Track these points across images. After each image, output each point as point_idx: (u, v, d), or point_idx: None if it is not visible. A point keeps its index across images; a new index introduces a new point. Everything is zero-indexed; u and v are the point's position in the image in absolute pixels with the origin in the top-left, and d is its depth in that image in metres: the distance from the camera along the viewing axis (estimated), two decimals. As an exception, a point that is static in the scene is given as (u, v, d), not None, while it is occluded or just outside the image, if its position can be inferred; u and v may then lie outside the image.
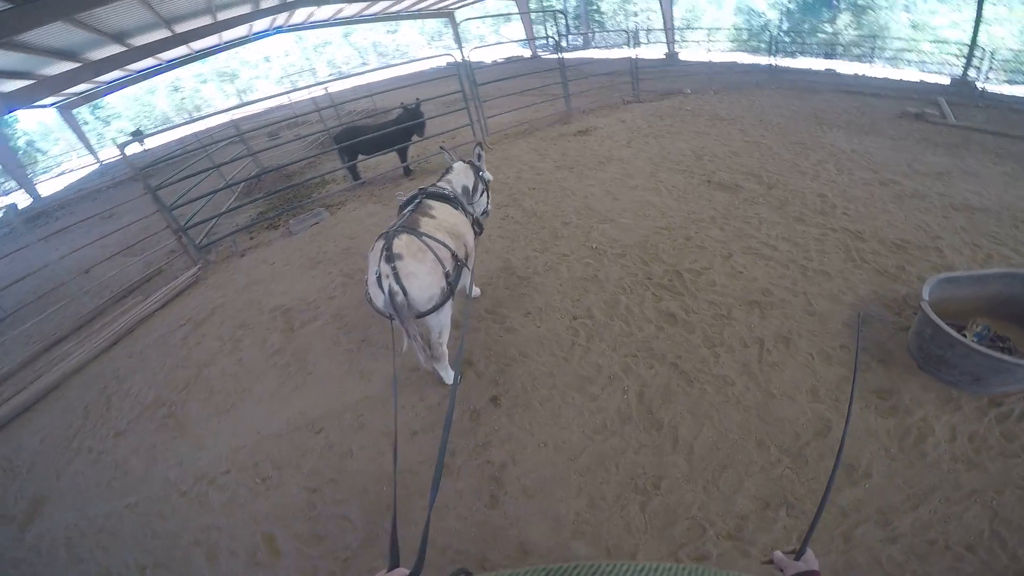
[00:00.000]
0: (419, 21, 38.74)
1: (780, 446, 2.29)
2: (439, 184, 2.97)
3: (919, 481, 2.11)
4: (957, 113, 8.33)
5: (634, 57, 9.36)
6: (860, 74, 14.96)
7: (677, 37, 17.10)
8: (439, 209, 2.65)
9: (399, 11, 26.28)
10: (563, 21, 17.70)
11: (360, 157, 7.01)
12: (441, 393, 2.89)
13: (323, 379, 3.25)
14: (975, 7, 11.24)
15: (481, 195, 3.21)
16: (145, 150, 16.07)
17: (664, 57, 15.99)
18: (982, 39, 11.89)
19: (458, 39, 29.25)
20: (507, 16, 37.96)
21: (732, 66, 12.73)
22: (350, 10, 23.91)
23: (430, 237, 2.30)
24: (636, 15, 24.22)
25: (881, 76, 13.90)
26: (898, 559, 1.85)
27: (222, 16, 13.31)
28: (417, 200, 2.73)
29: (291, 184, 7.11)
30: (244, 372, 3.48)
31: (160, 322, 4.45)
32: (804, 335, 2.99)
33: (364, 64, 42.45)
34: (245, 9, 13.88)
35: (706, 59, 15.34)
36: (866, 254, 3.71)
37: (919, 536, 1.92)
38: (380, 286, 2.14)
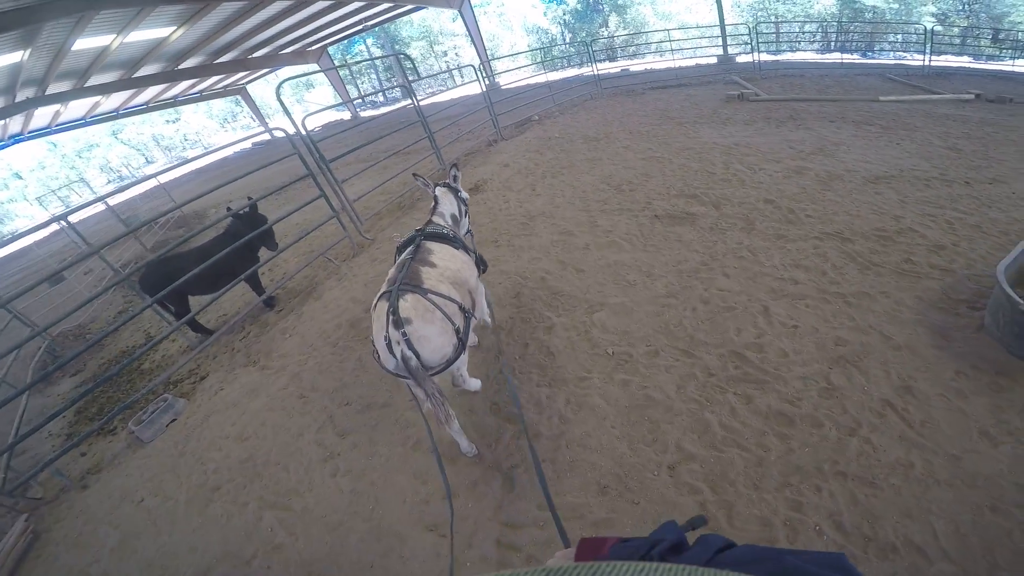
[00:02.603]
0: (204, 104, 33.87)
1: (1015, 503, 1.91)
2: (434, 221, 2.74)
3: None
4: (757, 87, 9.54)
5: (486, 91, 8.72)
6: (649, 69, 16.96)
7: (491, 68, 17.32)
8: (439, 253, 2.42)
9: (175, 97, 22.11)
10: (409, 66, 15.26)
11: (194, 299, 4.58)
12: None
13: None
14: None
15: (463, 217, 3.03)
16: None
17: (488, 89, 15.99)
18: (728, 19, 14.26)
19: (258, 113, 26.02)
20: (310, 82, 35.34)
21: (555, 84, 13.11)
22: (109, 103, 19.21)
23: (436, 293, 2.13)
24: (445, 54, 24.25)
25: (664, 67, 15.87)
26: None
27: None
28: (416, 243, 2.45)
29: (112, 368, 4.10)
30: None
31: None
32: (916, 377, 2.49)
33: (149, 163, 35.67)
34: (-42, 117, 9.85)
35: (525, 83, 15.74)
36: (868, 256, 3.42)
37: None
38: (391, 352, 1.99)
